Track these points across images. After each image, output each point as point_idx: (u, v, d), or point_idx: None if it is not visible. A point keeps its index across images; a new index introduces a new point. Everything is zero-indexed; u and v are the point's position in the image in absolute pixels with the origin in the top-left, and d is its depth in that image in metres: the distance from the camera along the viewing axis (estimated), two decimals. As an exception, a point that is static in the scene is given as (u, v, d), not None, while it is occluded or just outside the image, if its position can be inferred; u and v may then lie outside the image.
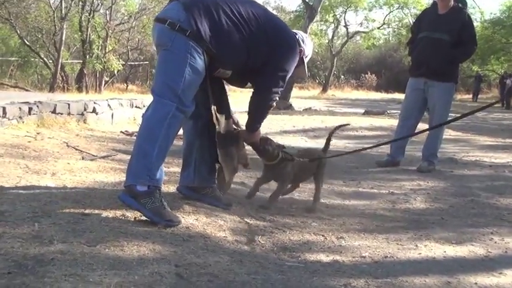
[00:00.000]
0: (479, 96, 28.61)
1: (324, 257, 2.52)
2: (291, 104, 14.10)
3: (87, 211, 2.58)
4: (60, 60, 19.83)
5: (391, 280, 2.26)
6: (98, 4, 21.32)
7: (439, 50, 5.17)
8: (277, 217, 3.11)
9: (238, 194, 3.51)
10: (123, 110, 7.31)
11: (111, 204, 2.72)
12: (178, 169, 3.42)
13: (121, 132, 6.12)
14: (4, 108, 4.95)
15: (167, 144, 2.62)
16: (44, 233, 2.18)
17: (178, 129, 2.73)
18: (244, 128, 3.14)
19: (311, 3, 15.60)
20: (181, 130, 3.08)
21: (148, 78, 27.70)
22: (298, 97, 21.29)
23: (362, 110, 14.08)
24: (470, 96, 29.23)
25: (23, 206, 2.55)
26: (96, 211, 2.60)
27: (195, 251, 2.26)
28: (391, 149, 5.59)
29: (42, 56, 21.00)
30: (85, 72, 20.92)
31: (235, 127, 3.13)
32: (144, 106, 7.44)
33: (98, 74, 21.86)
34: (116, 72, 22.06)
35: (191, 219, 2.72)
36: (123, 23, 22.71)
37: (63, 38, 19.97)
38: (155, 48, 2.86)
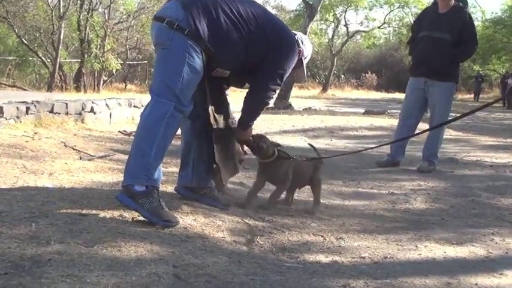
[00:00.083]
0: (481, 96, 28.62)
1: (323, 258, 2.51)
2: (290, 104, 14.11)
3: (84, 211, 2.58)
4: (58, 60, 19.81)
5: (390, 281, 2.26)
6: (97, 3, 21.32)
7: (440, 50, 5.17)
8: (276, 217, 3.11)
9: (237, 194, 3.51)
10: (122, 110, 7.30)
11: (109, 204, 2.72)
12: (176, 169, 3.43)
13: (119, 132, 6.12)
14: (1, 108, 4.95)
15: (165, 144, 2.62)
16: (41, 233, 2.18)
17: (177, 129, 2.72)
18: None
19: (311, 2, 15.60)
20: (180, 130, 3.08)
21: (147, 78, 27.71)
22: (298, 97, 21.30)
23: (362, 110, 14.09)
24: (472, 96, 29.25)
25: (20, 206, 2.54)
26: (94, 211, 2.60)
27: (193, 252, 2.26)
28: (391, 149, 5.60)
29: (40, 55, 20.98)
30: (83, 71, 20.92)
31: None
32: (142, 106, 7.44)
33: (96, 73, 21.85)
34: (114, 71, 22.06)
35: (189, 220, 2.72)
36: (121, 22, 22.70)
37: (61, 37, 19.95)
38: (154, 47, 2.86)
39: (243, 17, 2.75)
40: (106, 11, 21.93)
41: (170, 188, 3.30)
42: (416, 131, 5.69)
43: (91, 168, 3.73)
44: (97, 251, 2.07)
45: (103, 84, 22.05)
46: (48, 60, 21.07)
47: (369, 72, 34.26)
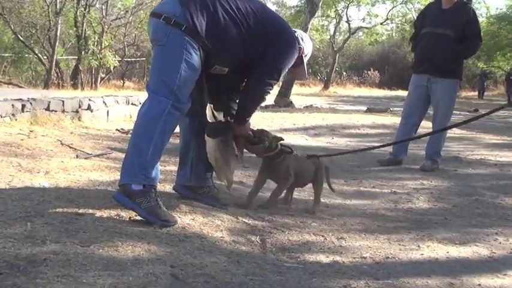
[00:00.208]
0: (485, 93, 28.61)
1: (323, 258, 2.52)
2: (291, 102, 14.10)
3: (81, 211, 2.58)
4: (54, 56, 19.80)
5: (392, 281, 2.27)
6: (94, -1, 21.31)
7: (443, 46, 5.17)
8: (276, 217, 3.11)
9: (237, 193, 3.51)
10: (119, 107, 7.29)
11: (106, 203, 2.72)
12: (174, 168, 3.43)
13: (116, 130, 6.12)
14: (-4, 105, 4.94)
15: (163, 142, 2.62)
16: (36, 233, 2.18)
17: (175, 127, 2.72)
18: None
19: (312, -2, 15.56)
20: (178, 128, 3.08)
21: (145, 75, 27.67)
22: (299, 94, 21.29)
23: (364, 108, 14.09)
24: (476, 93, 29.23)
25: (15, 205, 2.54)
26: (90, 211, 2.60)
27: (191, 252, 2.27)
28: (394, 147, 5.59)
29: (37, 52, 20.96)
30: (80, 68, 20.90)
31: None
32: (140, 103, 7.41)
33: (93, 70, 21.84)
34: (112, 68, 22.06)
35: (187, 219, 2.72)
36: (119, 18, 22.68)
37: (58, 34, 19.93)
38: (151, 44, 2.86)
39: (241, 13, 2.74)
40: (103, 7, 21.93)
41: (168, 187, 3.30)
42: (419, 129, 5.71)
43: (88, 167, 3.73)
44: (93, 251, 2.07)
45: (100, 81, 22.04)
46: (45, 57, 21.05)
47: (371, 69, 34.22)
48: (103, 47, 20.73)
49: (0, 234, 2.11)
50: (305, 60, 3.21)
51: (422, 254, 2.68)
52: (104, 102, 6.86)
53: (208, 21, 2.66)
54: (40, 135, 4.77)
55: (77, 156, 4.11)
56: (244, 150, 3.26)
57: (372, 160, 5.66)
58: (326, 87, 30.15)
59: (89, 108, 6.41)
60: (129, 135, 2.92)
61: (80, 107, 6.25)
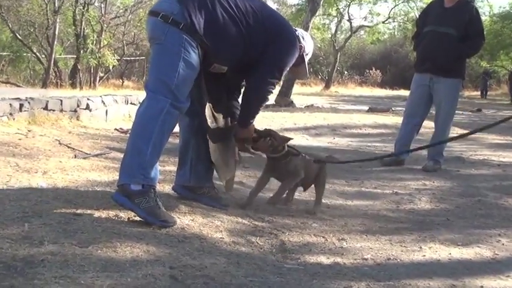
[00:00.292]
0: (488, 93, 28.58)
1: (324, 259, 2.52)
2: (292, 101, 14.10)
3: (79, 211, 2.58)
4: (53, 55, 19.79)
5: (393, 283, 2.27)
6: (93, -3, 21.31)
7: (445, 45, 5.17)
8: (277, 218, 3.11)
9: (237, 194, 3.51)
10: (118, 107, 7.29)
11: (104, 204, 2.72)
12: (174, 168, 3.43)
13: (115, 129, 6.12)
14: (-6, 105, 4.94)
15: (162, 142, 2.62)
16: (34, 233, 2.18)
17: (173, 126, 2.72)
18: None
19: (313, -4, 15.55)
20: (178, 127, 3.08)
21: (144, 74, 27.62)
22: (300, 94, 21.28)
23: (366, 107, 14.09)
24: (479, 93, 29.20)
25: (13, 205, 2.55)
26: (89, 211, 2.60)
27: (190, 253, 2.27)
28: (396, 147, 5.60)
29: (35, 51, 20.95)
30: (79, 67, 20.88)
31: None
32: (139, 102, 7.40)
33: (92, 69, 21.82)
34: (111, 67, 22.04)
35: (187, 220, 2.72)
36: (118, 17, 22.66)
37: (57, 32, 19.92)
38: (149, 43, 2.86)
39: (241, 11, 2.74)
40: (102, 5, 21.90)
41: (168, 187, 3.30)
42: (421, 129, 5.71)
43: (86, 167, 3.73)
44: (92, 252, 2.07)
45: (99, 80, 22.02)
46: (43, 56, 21.04)
47: (373, 69, 34.17)
48: (102, 45, 20.71)
49: (-3, 235, 2.11)
50: (306, 59, 3.20)
51: (424, 256, 2.68)
52: (102, 101, 6.87)
53: (207, 19, 2.66)
54: (38, 134, 4.77)
55: (75, 156, 4.11)
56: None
57: (374, 160, 5.65)
58: (327, 86, 30.12)
59: (87, 107, 6.42)
60: (128, 135, 2.92)
61: (78, 106, 6.25)
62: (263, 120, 7.96)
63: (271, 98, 12.55)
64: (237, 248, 2.50)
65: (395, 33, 39.23)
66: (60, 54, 22.35)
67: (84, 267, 1.92)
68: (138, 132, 2.63)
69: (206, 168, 3.09)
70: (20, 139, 4.40)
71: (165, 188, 3.31)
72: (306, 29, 12.61)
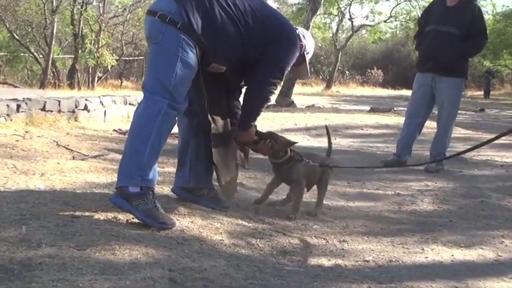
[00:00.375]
0: (491, 93, 28.57)
1: (325, 261, 2.52)
2: (293, 101, 14.11)
3: (77, 213, 2.58)
4: (51, 55, 19.80)
5: (395, 285, 2.27)
6: (91, -4, 21.31)
7: (448, 44, 5.17)
8: (277, 219, 3.11)
9: (236, 195, 3.51)
10: (117, 107, 7.30)
11: (103, 206, 2.72)
12: (173, 169, 3.43)
13: (114, 130, 6.12)
14: (-9, 106, 4.94)
15: (160, 143, 2.62)
16: (31, 236, 2.18)
17: (172, 127, 2.72)
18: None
19: (314, -5, 15.56)
20: (177, 128, 3.08)
21: (143, 74, 27.57)
22: (301, 94, 21.29)
23: (368, 107, 14.09)
24: (482, 92, 29.19)
25: (10, 208, 2.55)
26: (87, 213, 2.60)
27: (189, 255, 2.27)
28: (398, 147, 5.60)
29: (32, 51, 20.97)
30: (77, 67, 20.90)
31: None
32: (138, 103, 7.41)
33: (90, 69, 21.83)
34: (109, 67, 22.05)
35: (186, 222, 2.72)
36: (117, 16, 22.67)
37: (54, 32, 19.92)
38: (147, 42, 2.86)
39: (239, 10, 2.74)
40: (101, 5, 21.89)
41: (167, 189, 3.30)
42: (423, 129, 5.71)
43: (84, 169, 3.73)
44: (90, 255, 2.07)
45: (98, 81, 22.03)
46: (41, 56, 21.06)
47: (375, 68, 34.16)
48: (100, 45, 20.71)
49: (-6, 238, 2.12)
50: (307, 58, 3.20)
51: (427, 257, 2.68)
52: (101, 102, 6.87)
53: (205, 19, 2.66)
54: (36, 136, 4.77)
55: (73, 158, 4.11)
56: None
57: (376, 161, 5.66)
58: (328, 86, 30.12)
59: (85, 108, 6.41)
60: (127, 136, 2.92)
61: (76, 107, 6.25)
62: (264, 121, 7.96)
63: (272, 98, 12.52)
64: (237, 250, 2.51)
65: (397, 32, 39.23)
66: (58, 54, 22.35)
67: (82, 270, 1.92)
68: (135, 133, 2.63)
69: (206, 169, 3.09)
70: (17, 140, 4.40)
71: (164, 189, 3.31)
72: (307, 28, 12.61)
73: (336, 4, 30.61)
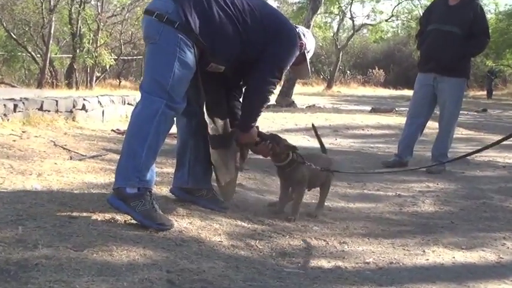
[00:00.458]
0: (494, 93, 28.57)
1: (325, 263, 2.52)
2: (293, 101, 14.12)
3: (74, 214, 2.58)
4: (48, 55, 19.84)
5: (396, 287, 2.27)
6: (89, -5, 21.34)
7: (450, 44, 5.17)
8: (276, 221, 3.11)
9: (236, 196, 3.51)
10: (115, 107, 7.30)
11: (100, 206, 2.73)
12: (172, 169, 3.43)
13: (112, 130, 6.12)
14: (-12, 105, 4.94)
15: (157, 143, 2.62)
16: (28, 236, 2.18)
17: (169, 128, 2.72)
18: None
19: (315, -6, 15.56)
20: (176, 129, 3.09)
21: (142, 74, 27.51)
22: (302, 94, 21.30)
23: (369, 108, 14.09)
24: (485, 92, 29.20)
25: (6, 208, 2.55)
26: (84, 214, 2.61)
27: (188, 256, 2.27)
28: (399, 148, 5.60)
29: (30, 50, 21.01)
30: (75, 67, 20.94)
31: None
32: (136, 103, 7.42)
33: (88, 69, 21.87)
34: (107, 67, 22.09)
35: (185, 223, 2.72)
36: (115, 15, 22.72)
37: (52, 31, 19.97)
38: (144, 42, 2.86)
39: (238, 9, 2.74)
40: (99, 4, 21.96)
41: (165, 190, 3.30)
42: (425, 130, 5.72)
43: (82, 169, 3.73)
44: (87, 256, 2.07)
45: (96, 80, 22.06)
46: (38, 55, 21.10)
47: (376, 68, 34.19)
48: (98, 45, 20.75)
49: (-10, 238, 2.12)
50: (308, 57, 3.20)
51: (428, 259, 2.68)
52: (99, 101, 6.87)
53: (202, 18, 2.65)
54: (33, 136, 4.77)
55: (71, 158, 4.11)
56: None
57: (377, 162, 5.67)
58: (329, 86, 30.14)
59: (83, 108, 6.41)
60: (124, 137, 2.92)
61: (74, 106, 6.25)
62: (264, 121, 7.97)
63: (272, 98, 12.54)
64: (236, 251, 2.51)
65: (399, 31, 39.28)
66: (56, 54, 22.40)
67: (79, 271, 1.92)
68: (133, 133, 2.63)
69: (204, 170, 3.10)
70: (14, 140, 4.40)
71: (162, 190, 3.31)
72: (307, 28, 12.58)
73: (337, 3, 30.62)
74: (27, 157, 3.89)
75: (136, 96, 7.95)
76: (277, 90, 14.02)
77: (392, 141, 7.31)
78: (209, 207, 3.05)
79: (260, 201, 3.55)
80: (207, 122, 2.98)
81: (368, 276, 2.38)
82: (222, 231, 2.73)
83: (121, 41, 22.98)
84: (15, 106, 5.27)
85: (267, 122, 8.16)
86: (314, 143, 7.11)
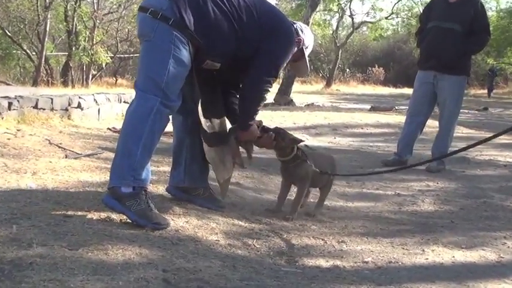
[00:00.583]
0: (495, 91, 28.61)
1: (323, 262, 2.52)
2: (292, 100, 14.15)
3: (69, 213, 2.58)
4: (44, 53, 19.78)
5: (394, 287, 2.27)
6: (85, -8, 21.29)
7: (450, 41, 5.18)
8: (274, 220, 3.12)
9: (233, 195, 3.52)
10: (111, 106, 7.30)
11: (96, 205, 2.73)
12: (168, 168, 3.43)
13: (108, 129, 6.12)
14: (-18, 103, 4.94)
15: (152, 142, 2.62)
16: (22, 235, 2.18)
17: (165, 126, 2.71)
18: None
19: (313, -9, 15.60)
20: (172, 127, 3.08)
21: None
22: (300, 92, 21.32)
23: (368, 106, 14.12)
24: (486, 91, 29.23)
25: (1, 207, 2.54)
26: (79, 213, 2.61)
27: (184, 255, 2.27)
28: (398, 147, 5.61)
29: (25, 48, 20.95)
30: (71, 65, 20.87)
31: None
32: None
33: (84, 67, 21.78)
34: (104, 65, 22.02)
35: (181, 222, 2.73)
36: (111, 13, 22.65)
37: (48, 29, 19.90)
38: (139, 40, 2.86)
39: (233, 6, 2.74)
40: (95, 1, 21.87)
41: (162, 189, 3.30)
42: (425, 129, 5.72)
43: (77, 167, 3.73)
44: (82, 255, 2.07)
45: (92, 78, 21.99)
46: (34, 53, 21.05)
47: (376, 66, 34.23)
48: (94, 42, 20.68)
49: (-16, 237, 2.12)
50: (306, 53, 3.19)
51: (427, 259, 2.69)
52: (94, 100, 6.87)
53: (197, 15, 2.65)
54: (27, 134, 4.77)
55: (66, 156, 4.11)
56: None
57: (376, 161, 5.67)
58: (328, 84, 30.18)
59: (79, 106, 6.41)
60: (119, 135, 2.92)
61: (69, 105, 6.25)
62: (262, 120, 7.96)
63: (271, 96, 12.59)
64: (233, 250, 2.51)
65: (399, 29, 39.29)
66: (51, 52, 22.35)
67: (74, 270, 1.92)
68: (127, 132, 2.63)
69: (201, 169, 3.10)
70: (8, 139, 4.40)
71: (159, 189, 3.31)
72: (306, 25, 12.63)
73: (336, 0, 30.62)
74: (21, 155, 3.88)
75: (132, 94, 7.92)
76: (275, 88, 14.06)
77: (391, 140, 7.33)
78: (206, 206, 3.05)
79: (258, 200, 3.56)
80: (203, 120, 2.98)
81: (367, 276, 2.38)
82: (218, 230, 2.73)
83: (117, 38, 22.92)
84: (10, 104, 5.26)
85: (265, 120, 8.13)
86: (312, 142, 7.13)
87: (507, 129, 2.60)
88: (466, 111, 13.16)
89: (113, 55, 22.72)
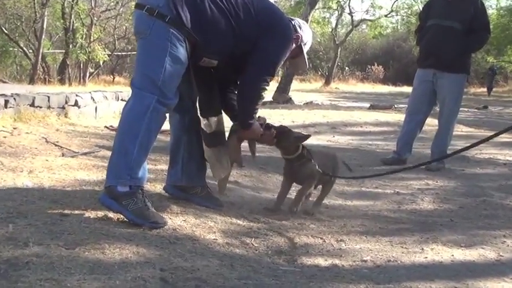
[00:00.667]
0: (494, 89, 28.63)
1: (322, 261, 2.52)
2: (290, 98, 14.14)
3: (66, 211, 2.58)
4: (41, 50, 19.74)
5: (393, 286, 2.27)
6: (82, -11, 21.26)
7: (450, 39, 5.18)
8: (273, 218, 3.11)
9: (231, 193, 3.52)
10: (108, 104, 7.29)
11: (93, 204, 2.72)
12: (166, 167, 3.43)
13: (105, 127, 6.12)
14: (-22, 101, 4.93)
15: (149, 140, 2.61)
16: (18, 234, 2.18)
17: (161, 124, 2.71)
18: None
19: (312, -11, 15.58)
20: (169, 125, 3.08)
21: (136, 70, 27.50)
22: (299, 90, 21.32)
23: (367, 104, 14.12)
24: (485, 89, 29.26)
25: (-3, 205, 2.55)
26: (76, 211, 2.60)
27: (182, 254, 2.27)
28: (398, 145, 5.61)
29: (22, 46, 20.91)
30: (68, 63, 20.86)
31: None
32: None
33: (82, 65, 21.77)
34: (101, 63, 21.99)
35: (179, 221, 2.72)
36: (109, 10, 22.63)
37: (44, 26, 19.86)
38: (135, 37, 2.85)
39: (230, 3, 2.73)
40: (92, -2, 21.87)
41: (159, 187, 3.30)
42: (424, 127, 5.72)
43: (74, 166, 3.73)
44: (79, 254, 2.07)
45: (89, 76, 21.97)
46: (30, 50, 21.00)
47: (375, 64, 34.22)
48: (92, 40, 20.66)
49: (-20, 236, 2.11)
50: (304, 49, 3.19)
51: (426, 257, 2.69)
52: (92, 98, 6.86)
53: (194, 12, 2.64)
54: (24, 132, 4.76)
55: (63, 155, 4.11)
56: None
57: (375, 159, 5.68)
58: (327, 83, 30.17)
59: (76, 104, 6.40)
60: (115, 134, 2.92)
61: (66, 102, 6.24)
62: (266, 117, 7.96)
63: (269, 95, 12.59)
64: (231, 249, 2.51)
65: (398, 27, 39.31)
66: (48, 49, 22.31)
67: (70, 269, 1.92)
68: (124, 130, 2.62)
69: (198, 167, 3.09)
70: (4, 137, 4.40)
71: (156, 187, 3.31)
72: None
73: (335, -2, 30.60)
74: (18, 154, 3.88)
75: (130, 92, 7.94)
76: (274, 86, 14.05)
77: (391, 139, 7.33)
78: (204, 204, 3.05)
79: (256, 199, 3.55)
80: (200, 118, 2.98)
81: (365, 275, 2.38)
82: (216, 229, 2.73)
83: (115, 36, 22.89)
84: (6, 102, 5.25)
85: (264, 118, 8.16)
86: (311, 140, 7.13)
87: (508, 128, 2.59)
88: (466, 109, 13.17)
89: (110, 53, 22.67)
